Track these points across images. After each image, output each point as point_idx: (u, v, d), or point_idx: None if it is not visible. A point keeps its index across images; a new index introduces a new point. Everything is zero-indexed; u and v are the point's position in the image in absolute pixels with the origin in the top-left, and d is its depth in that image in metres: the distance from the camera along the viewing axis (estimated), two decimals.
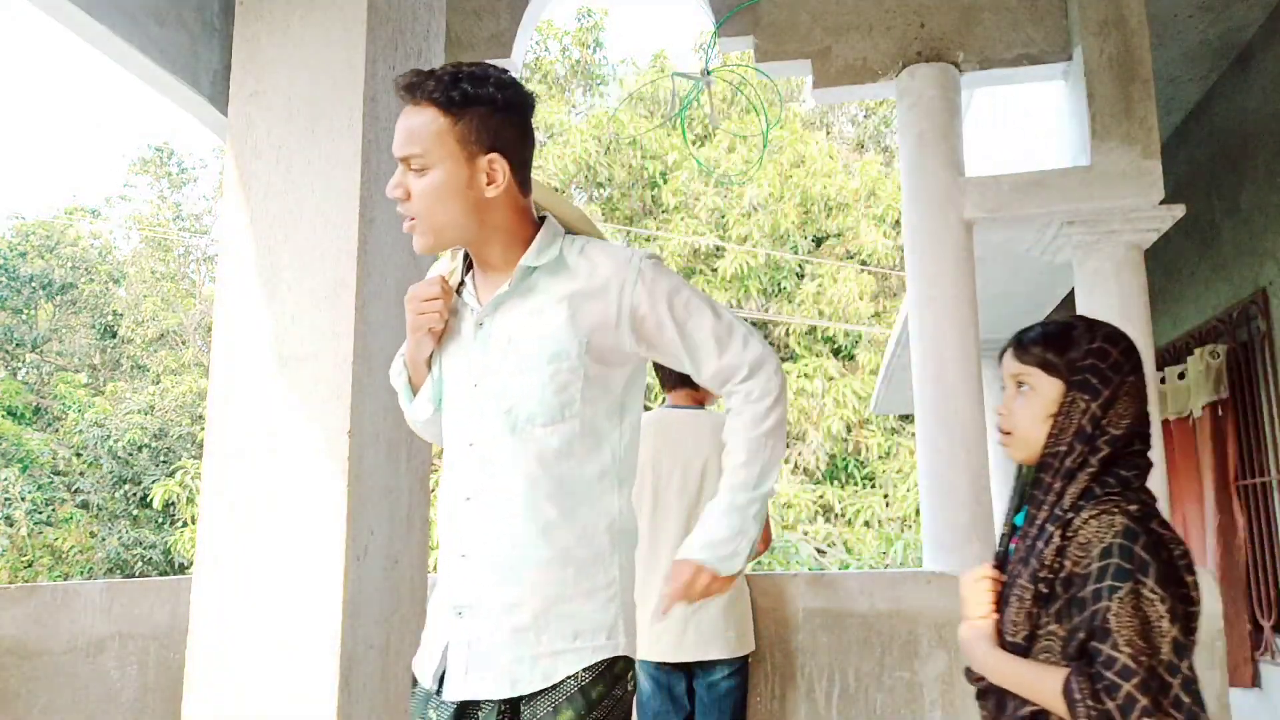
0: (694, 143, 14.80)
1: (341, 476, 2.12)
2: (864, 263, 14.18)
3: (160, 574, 12.78)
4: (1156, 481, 3.63)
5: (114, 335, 17.01)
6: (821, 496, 12.62)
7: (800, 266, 14.53)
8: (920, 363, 3.79)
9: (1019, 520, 1.52)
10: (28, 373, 15.84)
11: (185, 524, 12.25)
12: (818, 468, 13.22)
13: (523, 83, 1.50)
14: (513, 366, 1.45)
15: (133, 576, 12.64)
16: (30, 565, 12.25)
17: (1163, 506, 3.62)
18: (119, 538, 13.17)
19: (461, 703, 1.41)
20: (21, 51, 37.29)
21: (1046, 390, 1.44)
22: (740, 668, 2.79)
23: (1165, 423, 5.81)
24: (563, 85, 16.14)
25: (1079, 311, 3.94)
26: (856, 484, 13.36)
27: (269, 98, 2.40)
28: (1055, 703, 1.31)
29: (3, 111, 32.35)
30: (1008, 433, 1.50)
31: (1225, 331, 5.50)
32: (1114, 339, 1.45)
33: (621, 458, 1.50)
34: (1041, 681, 1.34)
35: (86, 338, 16.82)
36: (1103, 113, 3.85)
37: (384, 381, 1.80)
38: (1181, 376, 5.85)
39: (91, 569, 12.80)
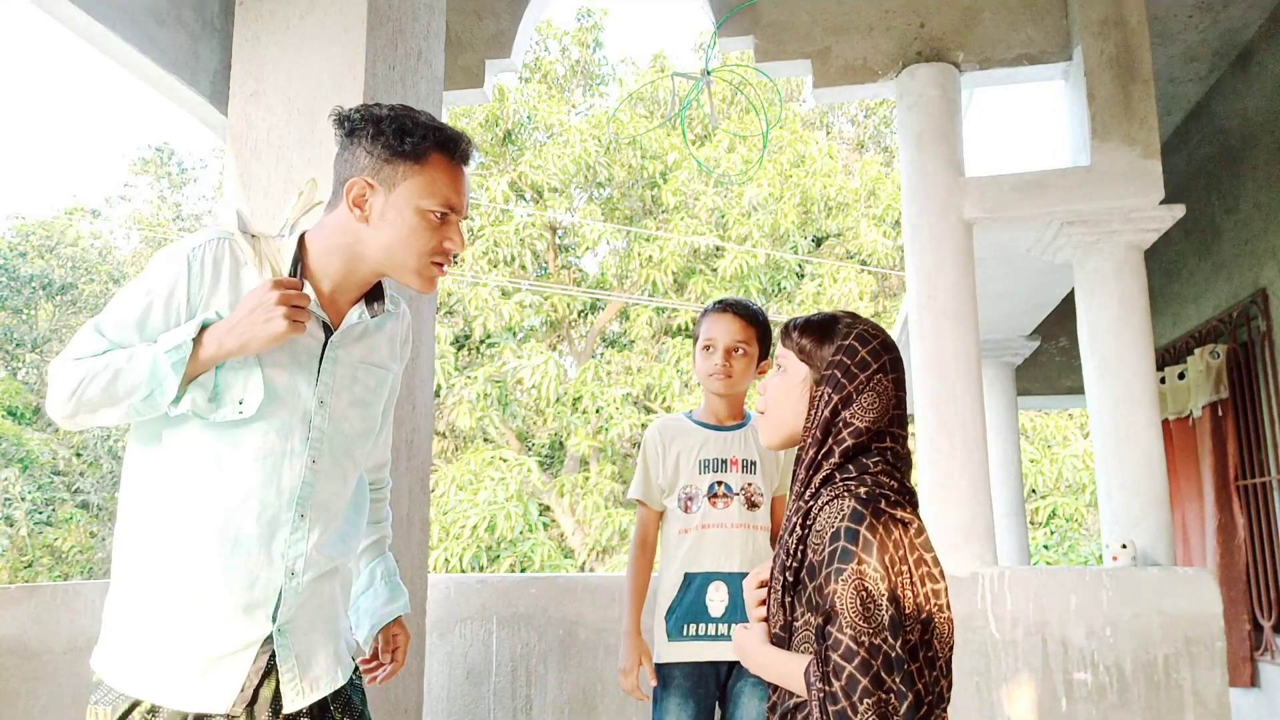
0: (694, 143, 14.79)
1: None
2: (864, 263, 14.18)
3: None
4: (1157, 481, 3.64)
5: None
6: None
7: (800, 266, 14.53)
8: (920, 363, 3.78)
9: None
10: (28, 373, 15.83)
11: None
12: None
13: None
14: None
15: None
16: (30, 565, 12.24)
17: (1163, 506, 3.63)
18: None
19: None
20: (21, 51, 37.28)
21: (794, 372, 1.49)
22: None
23: (1165, 423, 5.81)
24: (563, 85, 16.12)
25: (1079, 311, 3.94)
26: None
27: (269, 98, 2.41)
28: (803, 689, 1.32)
29: (3, 111, 32.34)
30: (762, 412, 1.54)
31: (1225, 331, 5.50)
32: (865, 339, 1.47)
33: None
34: (792, 670, 1.35)
35: None
36: (1103, 113, 3.85)
37: None
38: (1181, 376, 5.85)
39: (91, 569, 12.79)
